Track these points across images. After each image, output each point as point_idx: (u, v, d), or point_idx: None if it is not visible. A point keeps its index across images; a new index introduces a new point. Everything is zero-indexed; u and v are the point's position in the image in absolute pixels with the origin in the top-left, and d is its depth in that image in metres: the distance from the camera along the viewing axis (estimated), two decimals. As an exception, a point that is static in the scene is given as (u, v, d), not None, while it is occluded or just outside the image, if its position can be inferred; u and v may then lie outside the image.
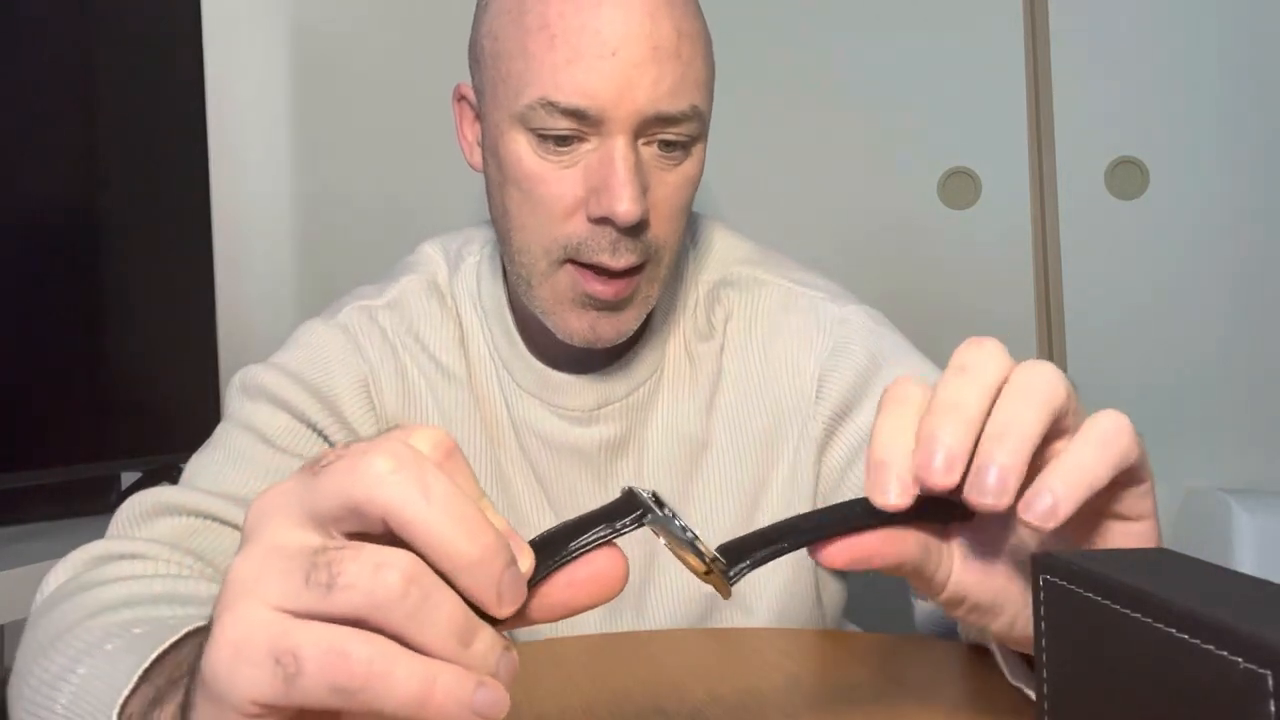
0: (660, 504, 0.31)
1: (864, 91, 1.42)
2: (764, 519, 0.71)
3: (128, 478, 1.31)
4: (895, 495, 0.33)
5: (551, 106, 0.58)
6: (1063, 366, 1.38)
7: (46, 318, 1.11)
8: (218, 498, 0.60)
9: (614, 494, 0.73)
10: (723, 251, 0.75)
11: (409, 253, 0.78)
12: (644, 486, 0.31)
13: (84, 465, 1.16)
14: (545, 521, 0.71)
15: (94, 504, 1.24)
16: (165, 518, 0.59)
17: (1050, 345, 1.39)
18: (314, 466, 0.27)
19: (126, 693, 0.39)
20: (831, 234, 1.41)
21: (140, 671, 0.40)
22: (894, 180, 1.41)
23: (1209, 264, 1.37)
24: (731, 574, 0.32)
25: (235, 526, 0.60)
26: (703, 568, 0.31)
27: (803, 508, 0.70)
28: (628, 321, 0.63)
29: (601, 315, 0.62)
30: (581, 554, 0.29)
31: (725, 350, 0.72)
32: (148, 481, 1.32)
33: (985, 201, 1.40)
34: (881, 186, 1.42)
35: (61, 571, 0.56)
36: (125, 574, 0.53)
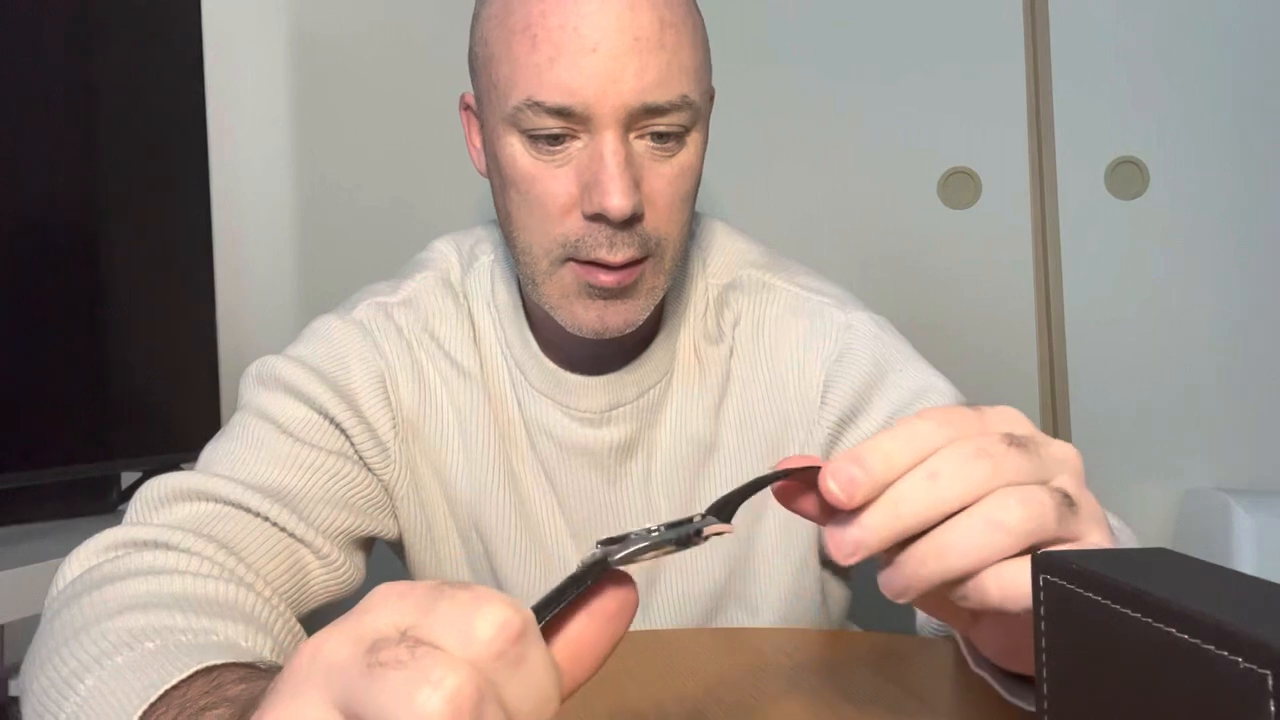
0: (617, 540, 0.30)
1: (864, 91, 1.42)
2: (770, 523, 0.72)
3: (128, 478, 1.31)
4: (846, 498, 0.33)
5: (538, 106, 0.58)
6: (1063, 367, 1.38)
7: (47, 318, 1.11)
8: (237, 484, 0.60)
9: (623, 495, 0.73)
10: (731, 254, 0.75)
11: (421, 249, 0.78)
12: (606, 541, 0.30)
13: (84, 465, 1.16)
14: (555, 521, 0.71)
15: (94, 504, 1.24)
16: (185, 503, 0.59)
17: (1050, 345, 1.39)
18: (378, 649, 0.24)
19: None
20: (831, 234, 1.41)
21: (141, 711, 0.39)
22: (894, 180, 1.41)
23: (1209, 264, 1.37)
24: (708, 518, 0.32)
25: (255, 513, 0.60)
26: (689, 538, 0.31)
27: None
28: (635, 311, 0.63)
29: (609, 305, 0.62)
30: (564, 608, 0.28)
31: (734, 354, 0.72)
32: (148, 481, 1.32)
33: (985, 201, 1.40)
34: (881, 186, 1.42)
35: (80, 559, 0.55)
36: (145, 567, 0.52)
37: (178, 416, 1.30)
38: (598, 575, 0.28)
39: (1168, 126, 1.37)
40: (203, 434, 1.37)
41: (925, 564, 0.33)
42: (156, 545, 0.55)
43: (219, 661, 0.41)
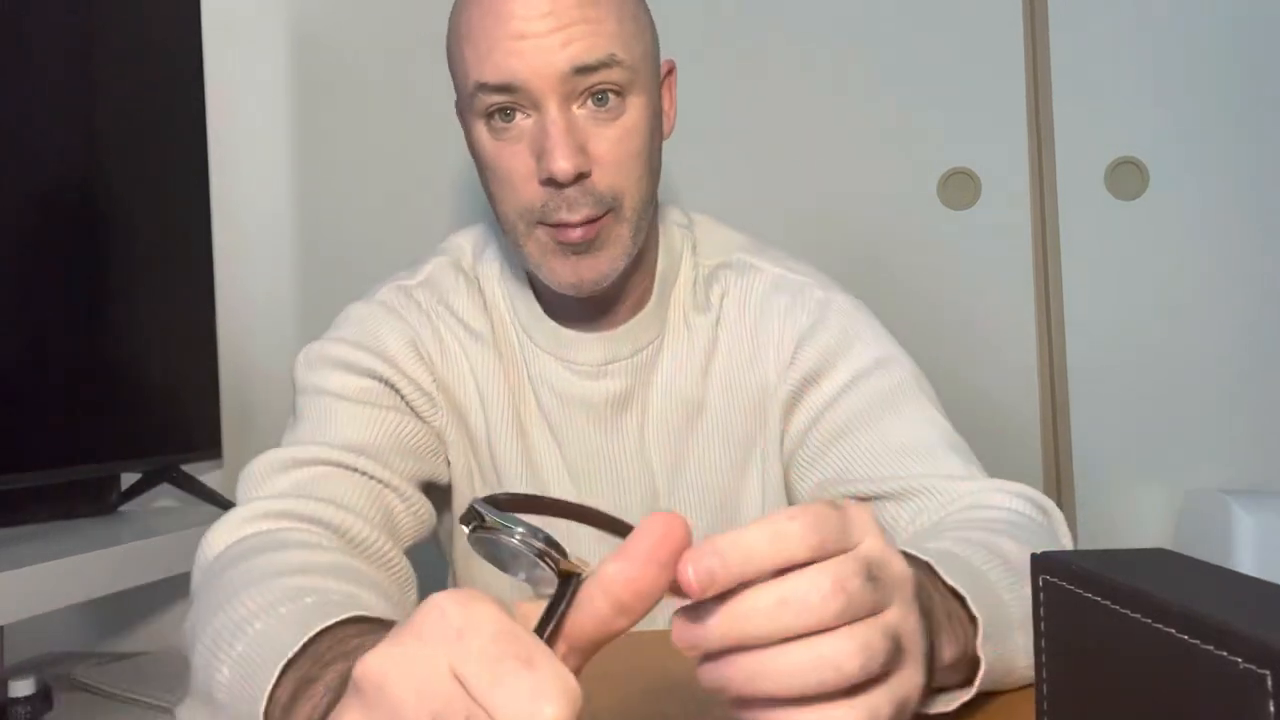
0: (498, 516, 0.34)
1: (864, 91, 1.42)
2: (753, 477, 0.79)
3: (128, 478, 1.31)
4: (699, 589, 0.33)
5: (485, 87, 0.68)
6: (1063, 366, 1.38)
7: (47, 318, 1.11)
8: (326, 446, 0.69)
9: (619, 444, 0.79)
10: (723, 241, 0.84)
11: (441, 240, 0.86)
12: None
13: (84, 465, 1.16)
14: (558, 467, 0.79)
15: (94, 504, 1.24)
16: (286, 472, 0.68)
17: (1050, 345, 1.39)
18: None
19: (284, 663, 0.45)
20: (831, 233, 1.41)
21: (293, 653, 0.45)
22: (894, 180, 1.41)
23: (1209, 264, 1.37)
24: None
25: (348, 468, 0.69)
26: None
27: (782, 468, 0.79)
28: (606, 262, 0.71)
29: (581, 260, 0.70)
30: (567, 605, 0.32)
31: (720, 323, 0.80)
32: (147, 482, 1.32)
33: (985, 201, 1.40)
34: (881, 186, 1.41)
35: (220, 536, 0.63)
36: (297, 541, 0.60)
37: (178, 417, 1.30)
38: (576, 587, 0.32)
39: (1168, 126, 1.37)
40: (203, 434, 1.37)
41: (752, 681, 0.33)
42: (283, 515, 0.63)
43: (352, 614, 0.47)
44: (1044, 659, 0.32)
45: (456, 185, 1.45)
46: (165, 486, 1.33)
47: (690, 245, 0.82)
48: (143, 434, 1.23)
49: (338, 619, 0.47)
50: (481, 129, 0.70)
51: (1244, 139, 1.36)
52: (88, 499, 1.23)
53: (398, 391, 0.76)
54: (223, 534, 0.63)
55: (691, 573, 0.33)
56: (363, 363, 0.75)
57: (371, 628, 0.47)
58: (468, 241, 0.85)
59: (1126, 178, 1.38)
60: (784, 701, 0.33)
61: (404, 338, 0.78)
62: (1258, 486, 1.34)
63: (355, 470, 0.69)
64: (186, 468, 1.33)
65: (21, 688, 1.04)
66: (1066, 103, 1.39)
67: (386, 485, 0.71)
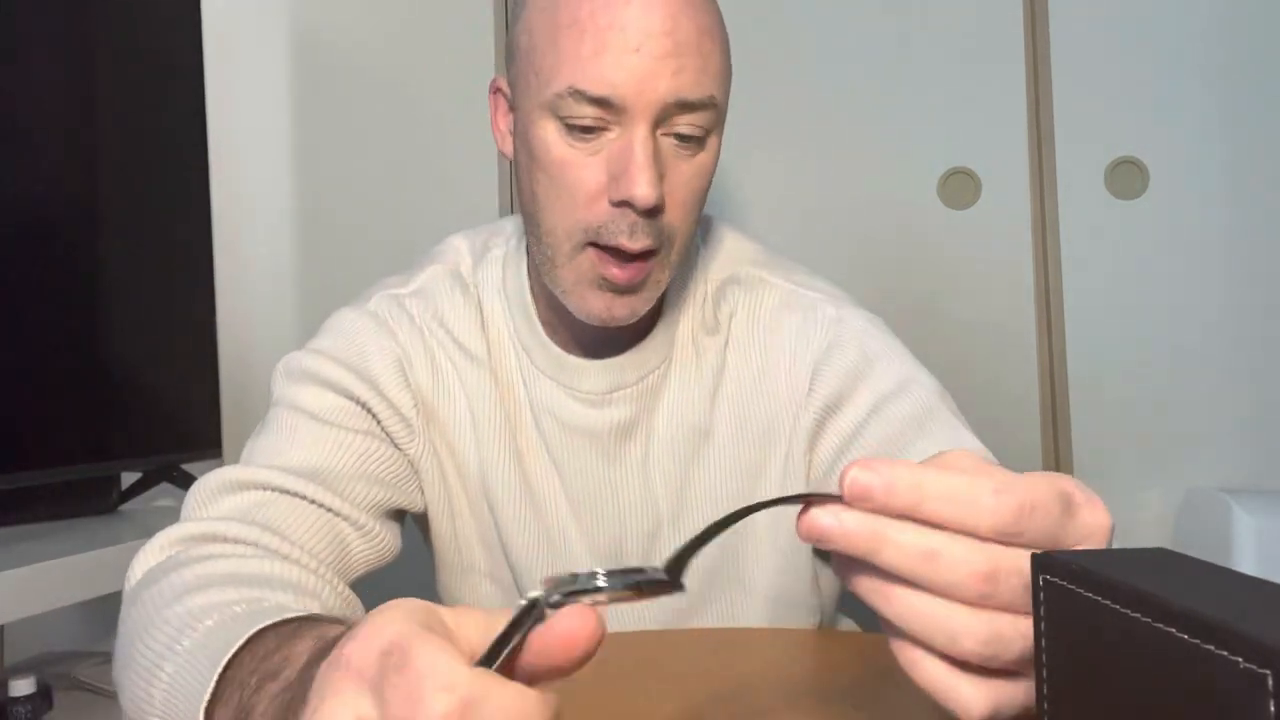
0: (566, 583, 0.30)
1: (864, 91, 1.42)
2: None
3: (128, 478, 1.31)
4: (850, 497, 0.32)
5: (580, 95, 0.62)
6: (1063, 367, 1.38)
7: (47, 318, 1.11)
8: (277, 470, 0.65)
9: (622, 474, 0.75)
10: (732, 251, 0.79)
11: (436, 243, 0.82)
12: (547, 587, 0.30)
13: (84, 465, 1.16)
14: (557, 497, 0.75)
15: (94, 504, 1.24)
16: (232, 495, 0.64)
17: (1050, 345, 1.39)
18: (382, 678, 0.27)
19: (204, 705, 0.43)
20: (831, 234, 1.41)
21: (210, 690, 0.43)
22: (894, 180, 1.41)
23: (1209, 264, 1.37)
24: (665, 574, 0.32)
25: (295, 495, 0.65)
26: (637, 592, 0.31)
27: None
28: (640, 302, 0.67)
29: (617, 297, 0.66)
30: (511, 646, 0.29)
31: (729, 345, 0.76)
32: (147, 482, 1.32)
33: (985, 201, 1.40)
34: (881, 186, 1.42)
35: (144, 559, 0.60)
36: (198, 556, 0.57)
37: (178, 417, 1.30)
38: (538, 619, 0.29)
39: (1168, 126, 1.37)
40: (203, 434, 1.37)
41: (878, 594, 0.33)
42: (210, 538, 0.60)
43: (267, 623, 0.45)
44: (1044, 659, 0.32)
45: (457, 185, 1.45)
46: (165, 486, 1.33)
47: (704, 260, 0.78)
48: (143, 434, 1.23)
49: (246, 638, 0.44)
50: (552, 129, 0.64)
51: (1244, 139, 1.36)
52: (88, 498, 1.23)
53: (373, 415, 0.72)
54: (143, 560, 0.60)
55: (849, 480, 0.32)
56: (341, 381, 0.71)
57: (285, 635, 0.45)
58: (466, 245, 0.80)
59: (1126, 178, 1.38)
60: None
61: (390, 356, 0.73)
62: (1258, 486, 1.34)
63: (304, 498, 0.65)
64: (186, 467, 1.33)
65: (21, 687, 1.04)
66: (1066, 103, 1.39)
67: (338, 514, 0.66)
